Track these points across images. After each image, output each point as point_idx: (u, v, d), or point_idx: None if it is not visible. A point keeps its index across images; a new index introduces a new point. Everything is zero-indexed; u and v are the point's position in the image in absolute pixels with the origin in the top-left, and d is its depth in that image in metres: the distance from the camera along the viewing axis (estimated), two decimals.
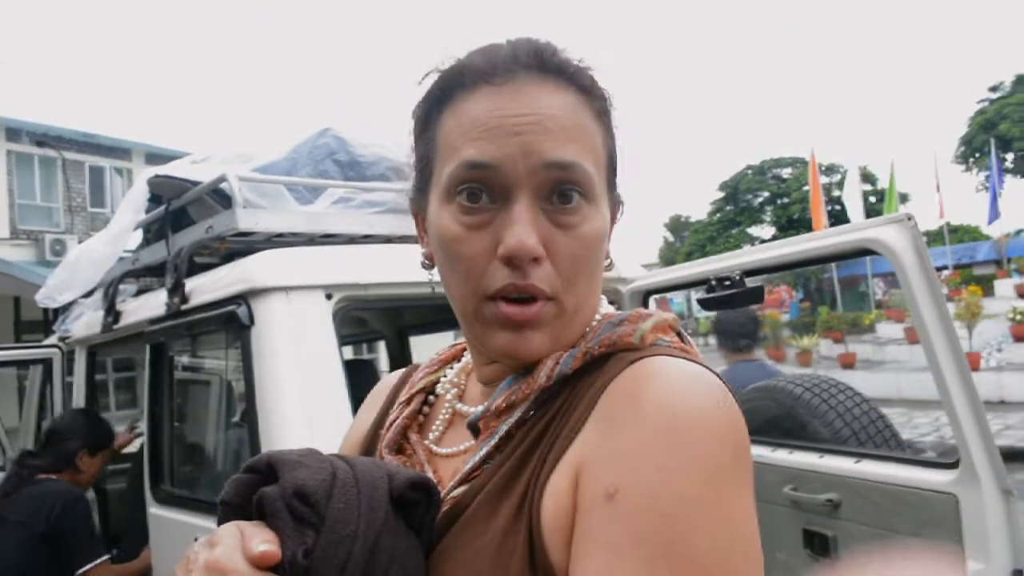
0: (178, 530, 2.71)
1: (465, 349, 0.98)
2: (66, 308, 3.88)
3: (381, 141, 3.27)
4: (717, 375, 0.71)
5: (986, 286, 19.19)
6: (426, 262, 0.89)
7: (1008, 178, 32.40)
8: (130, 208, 3.14)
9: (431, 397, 0.95)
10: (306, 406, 2.26)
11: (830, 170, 35.72)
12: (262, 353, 2.31)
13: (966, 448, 2.10)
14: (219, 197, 2.85)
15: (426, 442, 0.89)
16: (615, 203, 0.85)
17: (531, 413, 0.77)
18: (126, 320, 3.23)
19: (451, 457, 0.85)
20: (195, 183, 2.91)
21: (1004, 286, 18.27)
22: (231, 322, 2.42)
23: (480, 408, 0.79)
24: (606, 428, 0.67)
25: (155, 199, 3.15)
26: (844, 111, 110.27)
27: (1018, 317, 14.81)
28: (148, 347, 2.97)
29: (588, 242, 0.76)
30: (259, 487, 0.71)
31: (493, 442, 0.76)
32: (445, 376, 0.96)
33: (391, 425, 0.92)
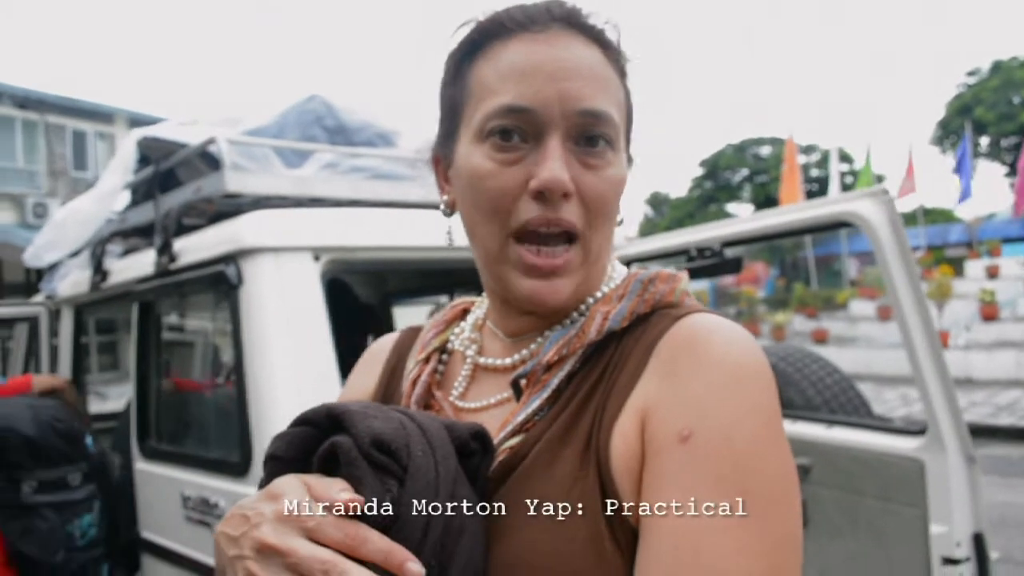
0: (164, 485, 2.76)
1: (466, 309, 1.00)
2: (52, 268, 3.86)
3: (368, 108, 3.29)
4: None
5: (957, 267, 19.41)
6: (446, 210, 0.91)
7: (982, 161, 32.74)
8: (119, 168, 3.14)
9: (443, 356, 0.97)
10: (293, 365, 2.29)
11: (809, 150, 35.90)
12: (250, 312, 2.34)
13: (933, 414, 2.17)
14: (207, 159, 2.87)
15: (451, 398, 0.90)
16: (629, 160, 0.89)
17: (577, 366, 0.80)
18: (114, 279, 3.24)
19: (480, 411, 0.87)
20: (184, 145, 2.92)
21: (975, 267, 18.44)
22: (219, 282, 2.45)
23: (531, 363, 0.81)
24: (669, 377, 0.72)
25: (143, 160, 3.16)
26: (825, 93, 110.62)
27: (987, 298, 15.05)
28: (136, 306, 2.99)
29: (612, 184, 0.81)
30: (313, 441, 0.70)
31: (545, 394, 0.79)
32: (454, 334, 0.98)
33: (415, 382, 0.92)
